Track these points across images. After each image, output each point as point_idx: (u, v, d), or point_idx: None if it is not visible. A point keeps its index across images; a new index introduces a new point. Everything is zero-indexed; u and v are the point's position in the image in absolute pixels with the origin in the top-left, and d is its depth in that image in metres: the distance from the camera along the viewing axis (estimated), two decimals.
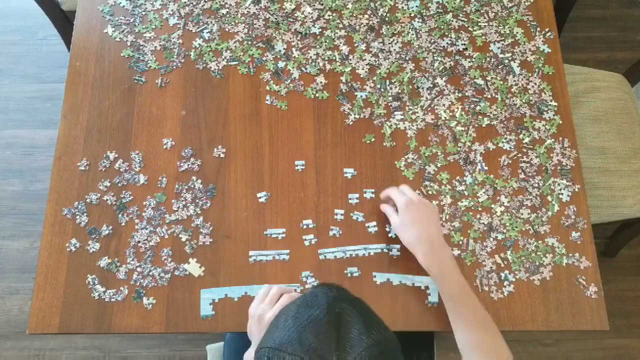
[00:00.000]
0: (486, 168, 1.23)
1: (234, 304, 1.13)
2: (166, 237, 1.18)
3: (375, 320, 0.77)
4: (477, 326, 1.03)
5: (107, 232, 1.18)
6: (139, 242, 1.17)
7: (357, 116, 1.27)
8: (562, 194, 1.21)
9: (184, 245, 1.17)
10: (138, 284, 1.15)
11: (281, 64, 1.32)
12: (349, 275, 1.15)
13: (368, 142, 1.25)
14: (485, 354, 1.01)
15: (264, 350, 0.72)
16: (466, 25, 1.36)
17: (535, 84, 1.30)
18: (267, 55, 1.33)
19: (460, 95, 1.29)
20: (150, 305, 1.13)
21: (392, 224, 1.12)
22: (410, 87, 1.30)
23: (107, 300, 1.14)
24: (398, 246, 1.16)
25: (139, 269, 1.16)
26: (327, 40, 1.34)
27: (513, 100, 1.29)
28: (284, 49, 1.33)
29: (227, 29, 1.35)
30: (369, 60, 1.32)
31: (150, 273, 1.15)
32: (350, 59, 1.32)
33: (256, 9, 1.37)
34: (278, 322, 0.76)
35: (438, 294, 1.12)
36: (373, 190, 1.21)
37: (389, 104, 1.28)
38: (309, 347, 0.69)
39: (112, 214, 1.20)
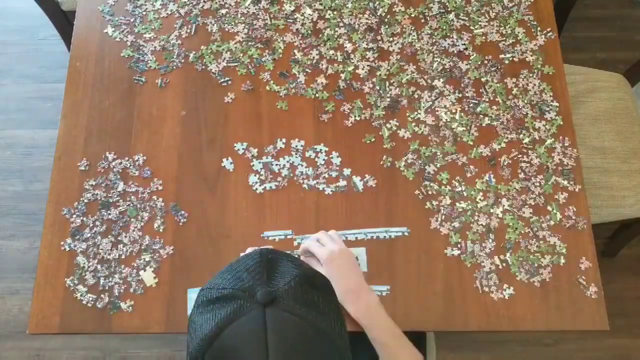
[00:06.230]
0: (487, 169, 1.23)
1: None
2: (166, 237, 1.18)
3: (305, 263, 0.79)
4: None
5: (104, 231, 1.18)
6: (138, 242, 1.17)
7: (357, 117, 1.27)
8: (562, 194, 1.21)
9: (183, 245, 1.17)
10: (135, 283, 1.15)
11: (284, 66, 1.31)
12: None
13: (368, 142, 1.25)
14: None
15: (200, 292, 0.75)
16: (467, 25, 1.35)
17: (535, 84, 1.30)
18: (267, 56, 1.33)
19: (460, 96, 1.29)
20: (131, 308, 1.13)
21: None
22: (410, 88, 1.30)
23: (106, 302, 1.14)
24: (397, 228, 1.17)
25: (136, 269, 1.16)
26: (328, 40, 1.34)
27: (514, 102, 1.28)
28: (284, 49, 1.33)
29: (227, 29, 1.35)
30: (369, 60, 1.32)
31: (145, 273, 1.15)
32: (352, 59, 1.32)
33: (255, 9, 1.37)
34: (217, 275, 0.77)
35: None
36: (373, 177, 1.22)
37: (389, 104, 1.28)
38: (242, 285, 0.71)
39: (111, 214, 1.19)
